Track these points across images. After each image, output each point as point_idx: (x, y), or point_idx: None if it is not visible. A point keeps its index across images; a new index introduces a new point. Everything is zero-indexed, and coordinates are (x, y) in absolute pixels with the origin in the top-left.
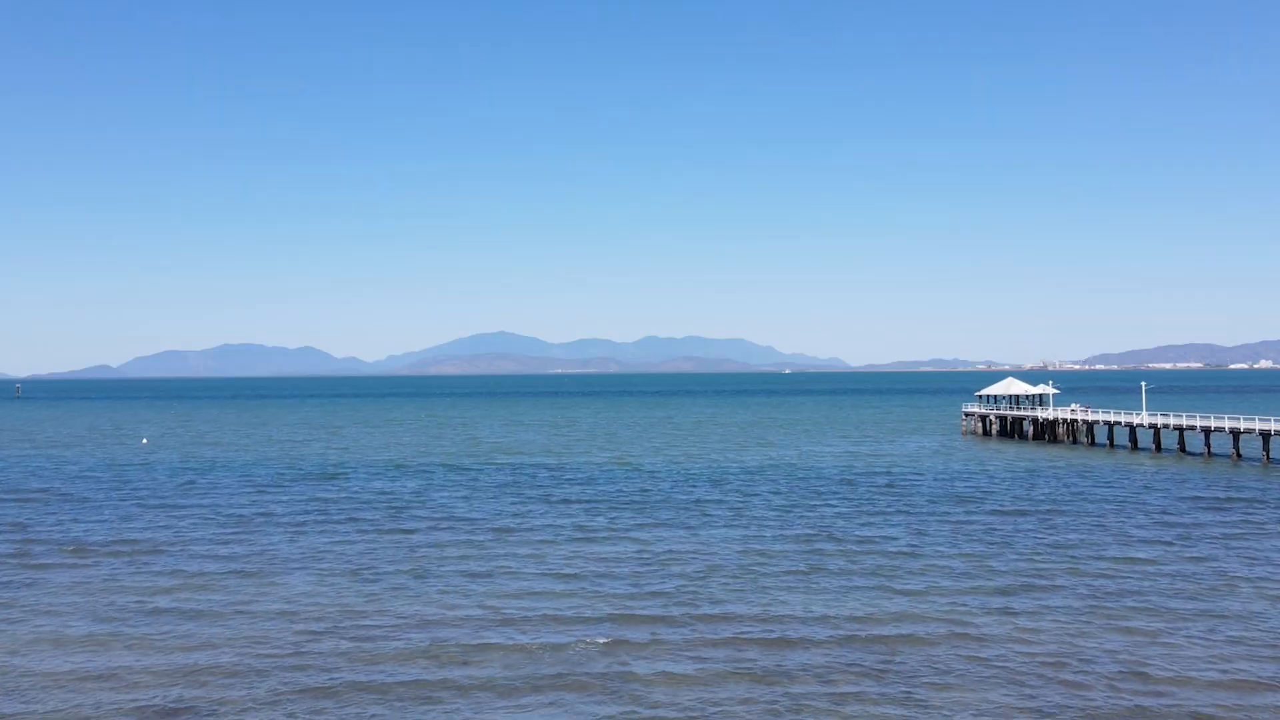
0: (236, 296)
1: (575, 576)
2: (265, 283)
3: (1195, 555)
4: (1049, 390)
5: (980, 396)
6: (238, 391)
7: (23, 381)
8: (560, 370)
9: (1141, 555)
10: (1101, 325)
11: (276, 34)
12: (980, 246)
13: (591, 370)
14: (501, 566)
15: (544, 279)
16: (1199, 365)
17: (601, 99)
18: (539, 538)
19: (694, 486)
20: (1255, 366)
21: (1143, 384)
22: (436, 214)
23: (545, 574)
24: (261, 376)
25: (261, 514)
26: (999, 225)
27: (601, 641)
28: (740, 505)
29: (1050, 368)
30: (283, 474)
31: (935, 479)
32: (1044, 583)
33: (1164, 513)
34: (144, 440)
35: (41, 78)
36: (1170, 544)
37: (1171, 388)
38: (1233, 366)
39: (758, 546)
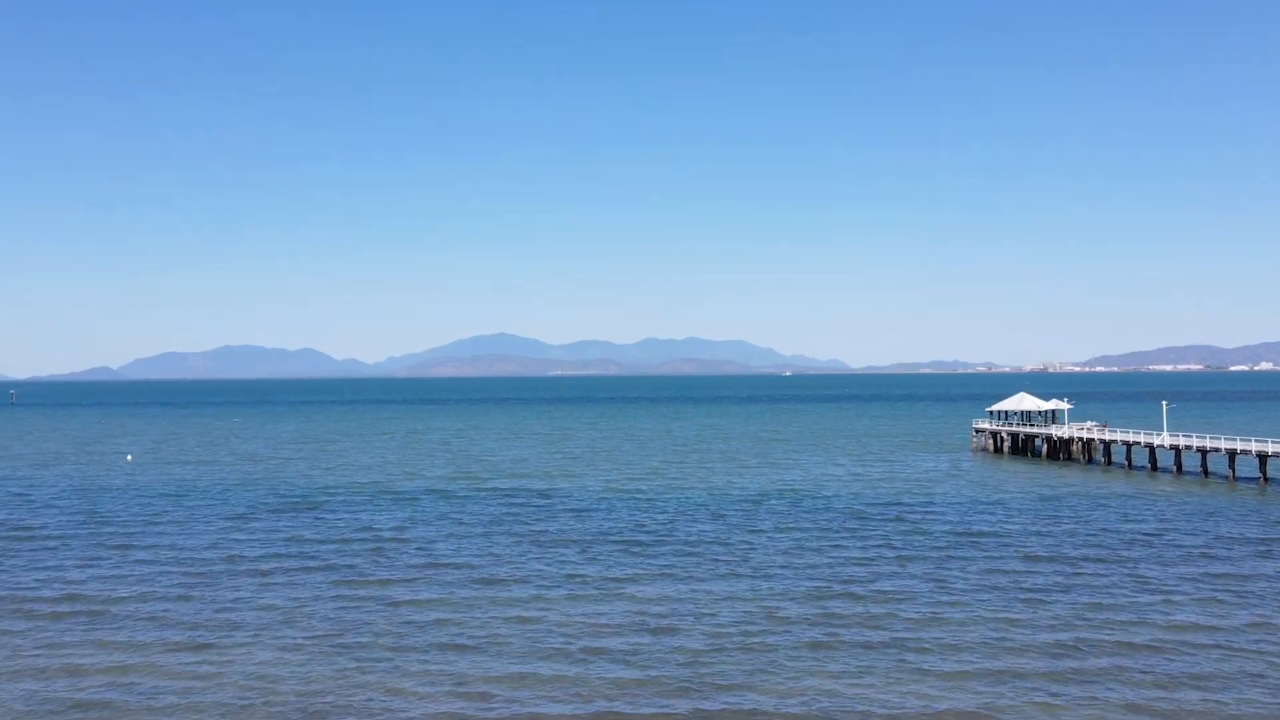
0: (236, 298)
1: (564, 654)
2: (265, 284)
3: (1251, 620)
4: (1063, 406)
5: (991, 412)
6: (236, 396)
7: (23, 383)
8: (560, 372)
9: (1191, 619)
10: (1101, 326)
11: (276, 34)
12: (980, 246)
13: (591, 372)
14: (484, 637)
15: (544, 280)
16: (1199, 367)
17: (601, 99)
18: (527, 593)
19: (694, 520)
20: (1256, 369)
21: (1164, 403)
22: (436, 214)
23: (531, 649)
24: (262, 378)
25: (230, 557)
26: (999, 225)
27: None
28: (745, 548)
29: (1050, 369)
30: (262, 502)
31: (950, 508)
32: (1089, 663)
33: (1204, 556)
34: (128, 457)
35: (41, 78)
36: (1221, 602)
37: (1179, 393)
38: (1233, 368)
39: (766, 605)
